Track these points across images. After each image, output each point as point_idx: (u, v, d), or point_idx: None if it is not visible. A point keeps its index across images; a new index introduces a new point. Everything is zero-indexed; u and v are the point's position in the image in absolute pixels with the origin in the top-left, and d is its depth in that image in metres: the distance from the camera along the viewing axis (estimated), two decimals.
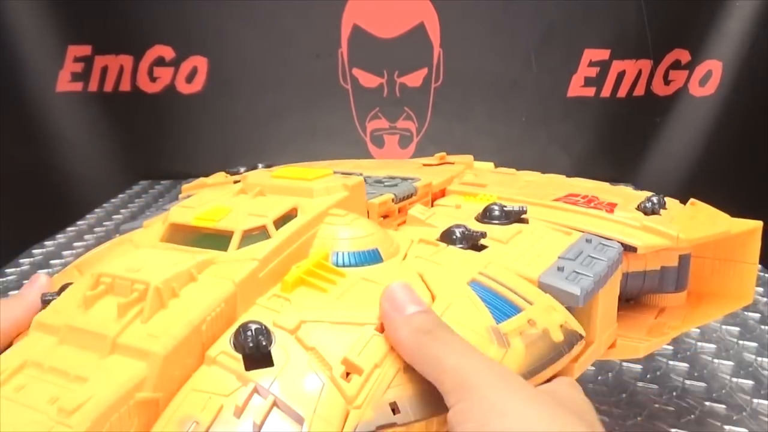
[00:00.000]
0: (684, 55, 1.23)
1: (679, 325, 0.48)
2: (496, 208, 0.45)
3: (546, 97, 1.26)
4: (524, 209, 0.45)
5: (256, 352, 0.28)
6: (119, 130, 1.21)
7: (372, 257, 0.37)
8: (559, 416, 0.25)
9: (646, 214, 0.47)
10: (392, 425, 0.27)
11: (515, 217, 0.45)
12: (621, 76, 1.25)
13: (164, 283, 0.29)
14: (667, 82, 1.25)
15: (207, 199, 0.39)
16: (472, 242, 0.41)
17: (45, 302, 0.33)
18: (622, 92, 1.26)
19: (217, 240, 0.34)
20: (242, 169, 0.61)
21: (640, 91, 1.26)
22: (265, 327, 0.30)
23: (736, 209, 0.49)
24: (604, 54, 1.23)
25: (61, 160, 1.18)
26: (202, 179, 0.62)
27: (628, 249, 0.43)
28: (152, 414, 0.26)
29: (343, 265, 0.36)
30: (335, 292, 0.33)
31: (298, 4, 1.17)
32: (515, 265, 0.38)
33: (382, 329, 0.31)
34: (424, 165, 0.64)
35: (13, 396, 0.26)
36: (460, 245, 0.40)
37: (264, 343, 0.29)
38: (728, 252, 0.49)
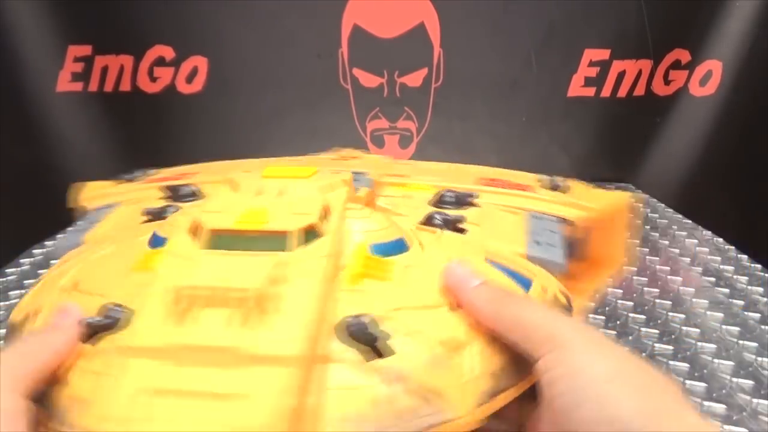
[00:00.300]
0: (684, 55, 1.23)
1: (589, 287, 0.53)
2: (449, 194, 0.48)
3: (546, 97, 1.26)
4: (475, 194, 0.48)
5: (372, 343, 0.29)
6: (119, 130, 1.21)
7: (400, 246, 0.38)
8: (650, 370, 0.26)
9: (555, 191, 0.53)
10: (498, 392, 0.30)
11: (467, 201, 0.47)
12: (621, 76, 1.25)
13: (266, 287, 0.30)
14: (667, 82, 1.25)
15: (228, 202, 0.38)
16: (454, 226, 0.43)
17: (95, 326, 0.31)
18: (622, 92, 1.26)
19: (269, 241, 0.34)
20: (137, 174, 0.61)
21: (640, 91, 1.26)
22: (372, 318, 0.30)
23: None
24: (604, 54, 1.23)
25: (61, 160, 1.18)
26: (99, 191, 0.60)
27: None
28: (301, 420, 0.26)
29: (381, 256, 0.37)
30: (396, 281, 0.34)
31: (298, 4, 1.17)
32: (500, 243, 0.41)
33: (453, 308, 0.32)
34: (333, 160, 0.65)
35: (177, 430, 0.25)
36: (443, 230, 0.43)
37: (377, 334, 0.29)
38: (606, 222, 0.53)
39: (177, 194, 0.53)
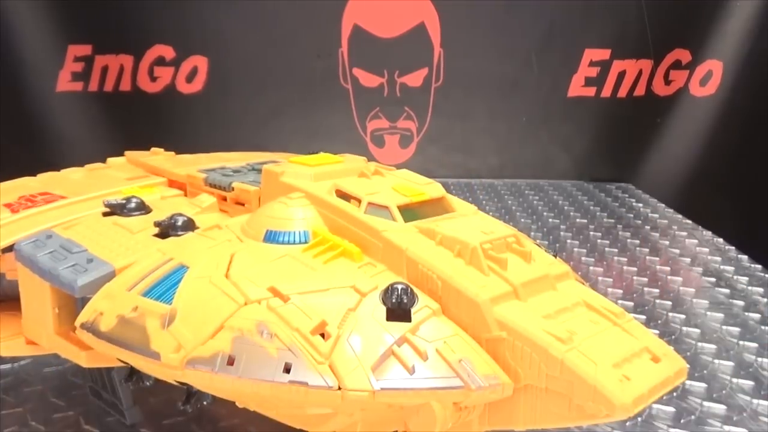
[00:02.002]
0: (684, 55, 1.23)
1: None
2: None
3: (546, 97, 1.26)
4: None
5: None
6: (119, 130, 1.21)
7: None
8: None
9: None
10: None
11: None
12: (621, 76, 1.25)
13: (506, 236, 0.38)
14: (667, 82, 1.25)
15: (363, 185, 0.43)
16: None
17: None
18: (622, 92, 1.26)
19: (433, 206, 0.42)
20: None
21: (640, 91, 1.26)
22: None
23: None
24: (604, 54, 1.23)
25: (61, 160, 1.17)
26: None
27: None
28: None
29: None
30: None
31: (298, 4, 1.17)
32: None
33: None
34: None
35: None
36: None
37: None
38: None
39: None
